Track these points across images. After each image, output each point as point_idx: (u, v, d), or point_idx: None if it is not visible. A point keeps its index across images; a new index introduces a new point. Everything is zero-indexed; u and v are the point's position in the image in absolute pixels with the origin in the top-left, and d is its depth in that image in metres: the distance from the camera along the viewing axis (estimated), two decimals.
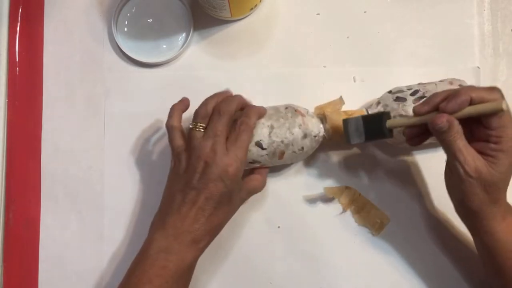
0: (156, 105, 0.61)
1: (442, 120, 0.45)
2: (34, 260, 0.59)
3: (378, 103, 0.56)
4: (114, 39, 0.61)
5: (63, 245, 0.60)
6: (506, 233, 0.47)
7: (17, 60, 0.62)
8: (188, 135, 0.51)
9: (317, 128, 0.54)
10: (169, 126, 0.52)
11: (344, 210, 0.58)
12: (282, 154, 0.54)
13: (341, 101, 0.58)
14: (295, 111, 0.54)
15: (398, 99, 0.54)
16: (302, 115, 0.54)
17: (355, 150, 0.59)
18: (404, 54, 0.61)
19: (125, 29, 0.62)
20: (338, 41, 0.61)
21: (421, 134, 0.49)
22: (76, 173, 0.60)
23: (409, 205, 0.58)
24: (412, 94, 0.54)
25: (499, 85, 0.60)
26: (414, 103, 0.53)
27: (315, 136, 0.54)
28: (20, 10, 0.63)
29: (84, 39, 0.62)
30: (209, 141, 0.49)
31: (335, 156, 0.59)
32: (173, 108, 0.54)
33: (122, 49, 0.61)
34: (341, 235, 0.58)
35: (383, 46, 0.61)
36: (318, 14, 0.62)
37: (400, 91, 0.55)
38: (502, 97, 0.45)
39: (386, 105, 0.54)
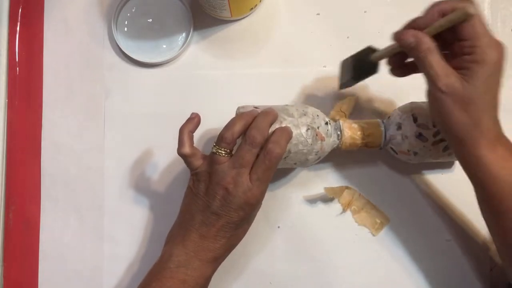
0: (156, 105, 0.61)
1: (408, 35, 0.44)
2: (34, 260, 0.59)
3: (399, 127, 0.53)
4: (114, 39, 0.61)
5: (63, 245, 0.60)
6: (498, 167, 0.43)
7: (17, 60, 0.62)
8: (210, 157, 0.49)
9: (331, 147, 0.54)
10: (181, 155, 0.50)
11: (344, 210, 0.58)
12: (290, 169, 0.53)
13: (355, 98, 0.58)
14: (316, 135, 0.51)
15: (420, 136, 0.52)
16: (322, 139, 0.52)
17: (358, 151, 0.59)
18: None
19: (125, 29, 0.62)
20: (338, 41, 0.61)
21: (404, 65, 0.49)
22: (76, 173, 0.60)
23: (409, 205, 0.58)
24: (434, 135, 0.52)
25: None
26: (433, 145, 0.52)
27: (326, 155, 0.54)
28: (20, 10, 0.63)
29: (84, 39, 0.62)
30: (233, 171, 0.47)
31: (335, 157, 0.59)
32: (182, 132, 0.50)
33: (122, 49, 0.61)
34: (341, 235, 0.58)
35: (383, 46, 0.61)
36: (318, 14, 0.62)
37: (426, 127, 0.52)
38: (472, 3, 0.42)
39: (406, 136, 0.52)
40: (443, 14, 0.43)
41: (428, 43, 0.43)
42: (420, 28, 0.44)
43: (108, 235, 0.59)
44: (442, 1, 0.44)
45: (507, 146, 0.44)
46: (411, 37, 0.44)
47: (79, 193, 0.60)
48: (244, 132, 0.49)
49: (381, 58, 0.50)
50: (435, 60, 0.43)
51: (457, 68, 0.43)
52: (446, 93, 0.42)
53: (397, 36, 0.45)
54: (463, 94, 0.42)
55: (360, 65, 0.52)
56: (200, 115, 0.52)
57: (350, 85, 0.54)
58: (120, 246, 0.59)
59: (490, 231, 0.47)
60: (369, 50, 0.51)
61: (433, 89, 0.43)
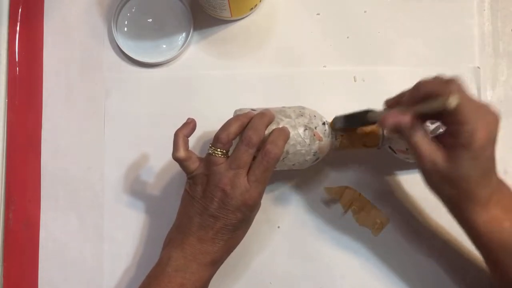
0: (156, 105, 0.61)
1: (388, 120, 0.43)
2: (34, 260, 0.59)
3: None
4: (114, 39, 0.61)
5: (63, 245, 0.60)
6: (488, 230, 0.43)
7: (17, 60, 0.62)
8: (207, 159, 0.49)
9: (329, 147, 0.53)
10: (176, 159, 0.49)
11: (344, 211, 0.58)
12: (288, 170, 0.53)
13: None
14: (314, 135, 0.51)
15: None
16: (319, 139, 0.51)
17: (356, 151, 0.59)
18: (404, 54, 0.61)
19: (125, 29, 0.62)
20: (338, 41, 0.61)
21: None
22: (76, 173, 0.60)
23: (409, 206, 0.58)
24: (432, 132, 0.51)
25: (499, 85, 0.60)
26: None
27: (325, 156, 0.54)
28: (20, 10, 0.63)
29: (84, 39, 0.62)
30: (230, 172, 0.47)
31: (335, 157, 0.59)
32: (177, 136, 0.50)
33: (122, 49, 0.61)
34: (341, 235, 0.58)
35: (383, 46, 0.61)
36: (318, 14, 0.62)
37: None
38: (459, 89, 0.41)
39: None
40: (428, 96, 0.42)
41: (408, 124, 0.43)
42: (406, 105, 0.44)
43: (108, 235, 0.59)
44: (430, 81, 0.43)
45: (502, 203, 0.44)
46: (391, 123, 0.43)
47: (79, 193, 0.60)
48: (240, 133, 0.49)
49: (376, 119, 0.48)
50: (419, 139, 0.43)
51: (447, 142, 0.43)
52: (430, 171, 0.43)
53: (382, 120, 0.44)
54: (448, 173, 0.42)
55: (353, 119, 0.51)
56: (200, 115, 0.52)
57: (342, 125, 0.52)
58: (120, 246, 0.59)
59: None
60: (366, 112, 0.49)
61: (419, 165, 0.43)
